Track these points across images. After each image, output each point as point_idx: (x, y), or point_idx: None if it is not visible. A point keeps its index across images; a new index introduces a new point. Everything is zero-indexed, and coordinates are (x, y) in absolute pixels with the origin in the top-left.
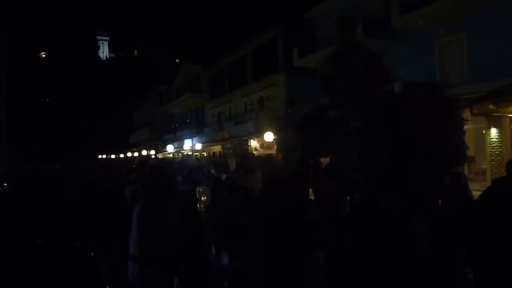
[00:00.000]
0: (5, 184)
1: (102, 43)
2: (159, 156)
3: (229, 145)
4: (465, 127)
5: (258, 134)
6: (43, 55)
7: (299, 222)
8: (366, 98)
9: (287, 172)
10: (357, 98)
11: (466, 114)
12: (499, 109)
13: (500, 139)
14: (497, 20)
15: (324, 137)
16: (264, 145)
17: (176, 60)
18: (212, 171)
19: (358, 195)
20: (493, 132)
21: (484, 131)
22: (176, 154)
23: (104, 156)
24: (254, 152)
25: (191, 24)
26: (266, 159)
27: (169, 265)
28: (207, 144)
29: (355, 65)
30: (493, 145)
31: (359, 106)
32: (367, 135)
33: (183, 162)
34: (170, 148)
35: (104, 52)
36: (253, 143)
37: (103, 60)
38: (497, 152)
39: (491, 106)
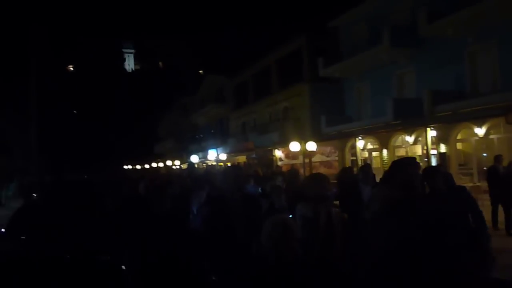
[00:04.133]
0: (34, 195)
1: (128, 56)
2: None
3: (253, 155)
4: (499, 135)
5: (283, 144)
6: (71, 68)
7: None
8: None
9: None
10: None
11: (500, 122)
12: None
13: None
14: None
15: None
16: (289, 155)
17: (200, 71)
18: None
19: None
20: None
21: None
22: (200, 164)
23: (130, 166)
24: (279, 163)
25: (216, 35)
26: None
27: None
28: (232, 154)
29: None
30: None
31: None
32: None
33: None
34: (194, 158)
35: (130, 64)
36: (278, 153)
37: (129, 72)
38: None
39: None
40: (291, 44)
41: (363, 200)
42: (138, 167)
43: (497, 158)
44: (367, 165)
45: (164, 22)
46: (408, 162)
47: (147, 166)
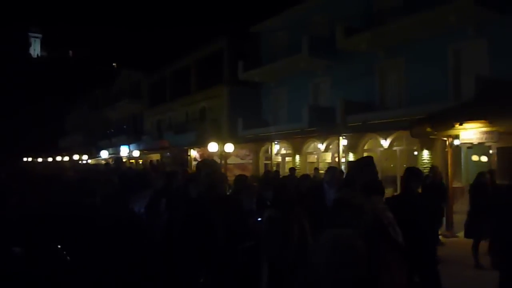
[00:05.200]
0: None
1: (34, 40)
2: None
3: (168, 154)
4: (400, 148)
5: (199, 144)
6: None
7: None
8: None
9: None
10: None
11: (403, 135)
12: (435, 132)
13: (431, 161)
14: (431, 48)
15: None
16: (204, 155)
17: (114, 64)
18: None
19: None
20: (425, 154)
21: (416, 153)
22: (110, 160)
23: (31, 159)
24: (193, 163)
25: (135, 29)
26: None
27: None
28: (145, 151)
29: None
30: (424, 166)
31: None
32: None
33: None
34: (104, 154)
35: (35, 49)
36: (193, 153)
37: (34, 58)
38: (427, 174)
39: (428, 129)
40: (213, 46)
41: (327, 203)
42: (40, 160)
43: (433, 169)
44: (333, 167)
45: (78, 9)
46: (366, 163)
47: (50, 159)
